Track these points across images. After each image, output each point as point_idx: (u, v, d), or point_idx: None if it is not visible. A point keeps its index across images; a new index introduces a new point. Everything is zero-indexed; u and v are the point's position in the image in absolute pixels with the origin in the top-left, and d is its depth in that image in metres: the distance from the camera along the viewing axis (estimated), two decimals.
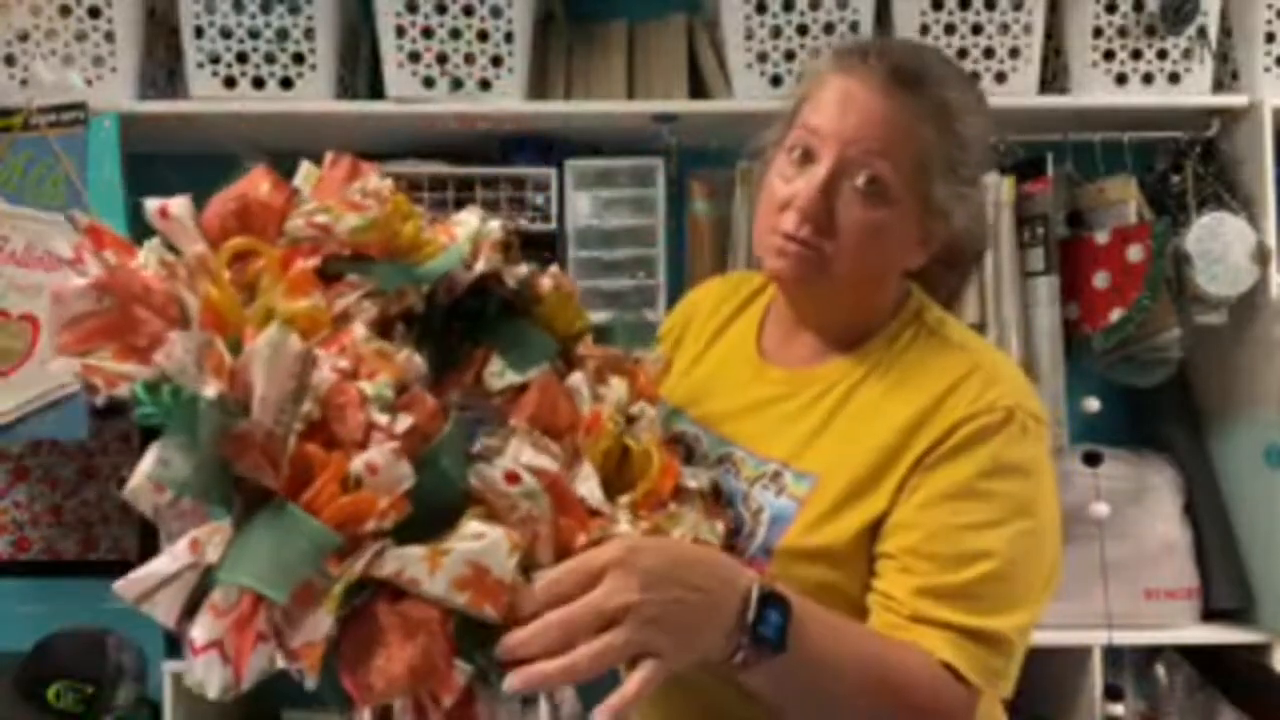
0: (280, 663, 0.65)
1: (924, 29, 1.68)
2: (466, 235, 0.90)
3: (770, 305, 1.09)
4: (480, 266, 0.89)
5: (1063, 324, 1.68)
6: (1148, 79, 1.71)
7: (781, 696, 0.79)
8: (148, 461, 0.67)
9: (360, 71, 1.81)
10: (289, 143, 1.63)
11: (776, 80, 1.68)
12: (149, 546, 1.59)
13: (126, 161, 1.60)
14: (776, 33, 1.67)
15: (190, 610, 0.68)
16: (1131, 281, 1.65)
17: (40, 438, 1.75)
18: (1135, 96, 1.70)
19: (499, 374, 0.88)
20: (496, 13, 1.64)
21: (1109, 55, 1.70)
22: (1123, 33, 1.70)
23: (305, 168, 0.92)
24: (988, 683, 0.85)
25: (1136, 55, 1.70)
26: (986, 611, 0.85)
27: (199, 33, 1.64)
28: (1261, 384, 1.70)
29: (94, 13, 1.63)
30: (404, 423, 0.71)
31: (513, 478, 0.74)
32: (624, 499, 0.82)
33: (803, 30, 1.67)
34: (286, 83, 1.66)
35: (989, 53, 1.69)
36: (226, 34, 1.64)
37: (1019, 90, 1.70)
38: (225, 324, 0.74)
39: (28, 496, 1.90)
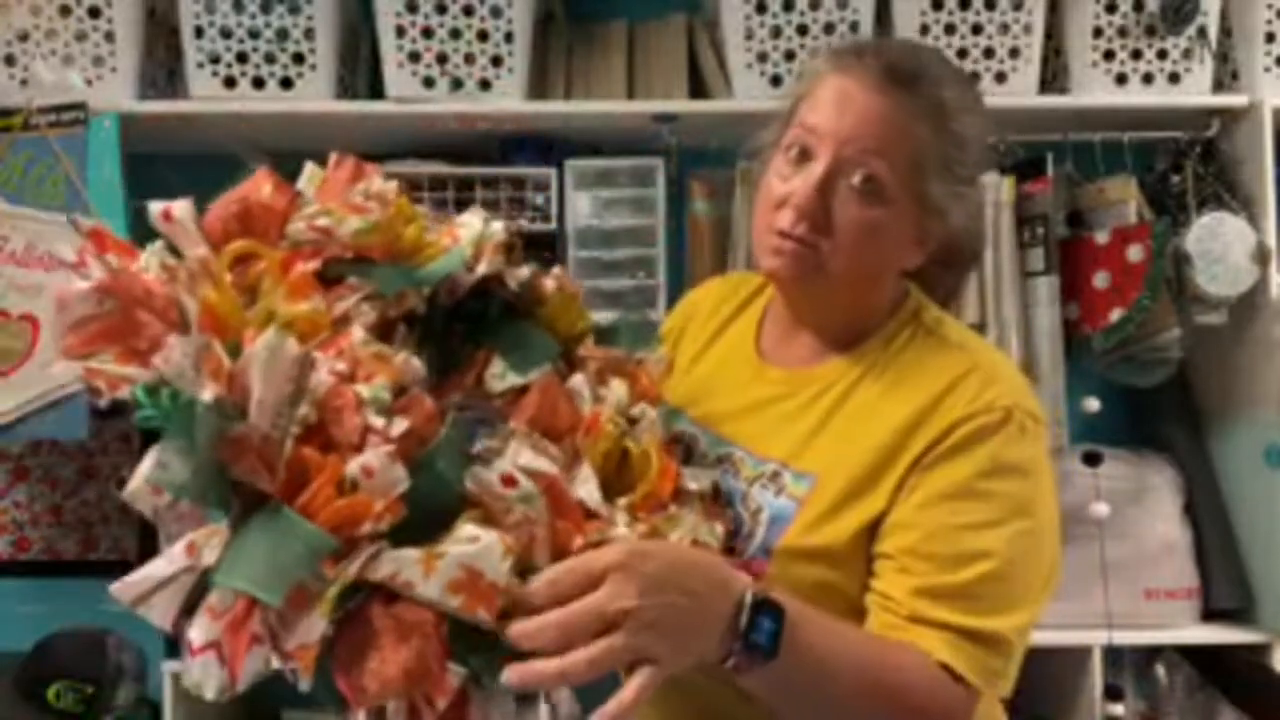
0: (275, 664, 0.65)
1: (924, 29, 1.68)
2: (470, 238, 0.90)
3: (769, 305, 1.09)
4: (482, 269, 0.89)
5: (1063, 324, 1.68)
6: (1148, 79, 1.71)
7: (778, 699, 0.79)
8: (147, 464, 0.67)
9: (360, 71, 1.81)
10: (289, 143, 1.64)
11: (776, 80, 1.68)
12: (149, 547, 1.59)
13: (126, 161, 1.60)
14: (776, 33, 1.67)
15: (189, 611, 0.68)
16: (1131, 281, 1.65)
17: (40, 438, 1.75)
18: (1135, 96, 1.70)
19: (500, 375, 0.88)
20: (496, 13, 1.64)
21: (1109, 55, 1.70)
22: (1123, 33, 1.70)
23: (310, 169, 0.92)
24: (986, 683, 0.85)
25: (1136, 55, 1.70)
26: (985, 612, 0.85)
27: (199, 33, 1.64)
28: (1261, 384, 1.70)
29: (94, 13, 1.63)
30: (400, 426, 0.71)
31: (509, 481, 0.73)
32: (623, 501, 0.82)
33: (803, 30, 1.67)
34: (286, 83, 1.66)
35: (989, 53, 1.69)
36: (226, 34, 1.64)
37: (1019, 90, 1.69)
38: (224, 327, 0.74)
39: (28, 496, 1.90)
